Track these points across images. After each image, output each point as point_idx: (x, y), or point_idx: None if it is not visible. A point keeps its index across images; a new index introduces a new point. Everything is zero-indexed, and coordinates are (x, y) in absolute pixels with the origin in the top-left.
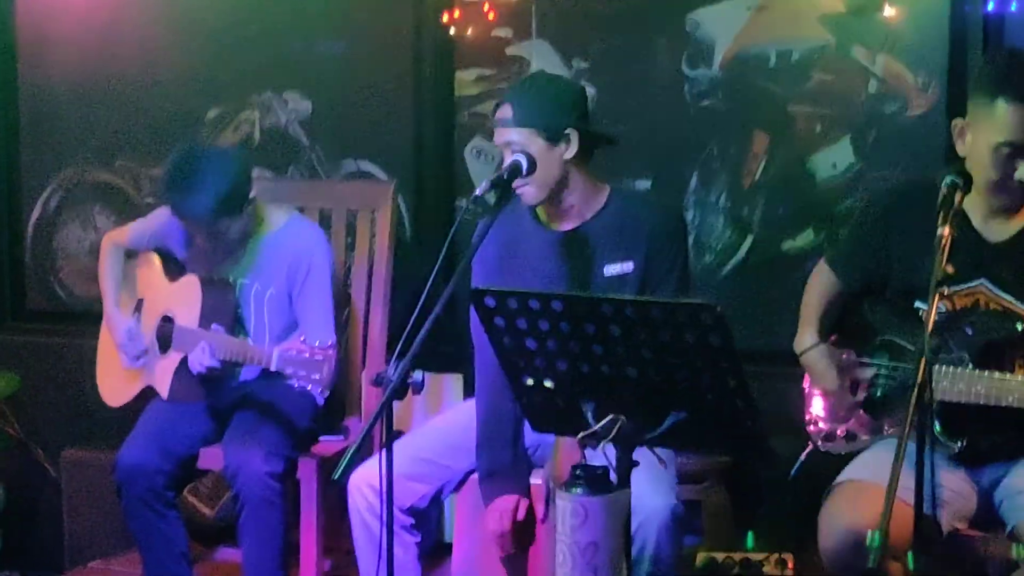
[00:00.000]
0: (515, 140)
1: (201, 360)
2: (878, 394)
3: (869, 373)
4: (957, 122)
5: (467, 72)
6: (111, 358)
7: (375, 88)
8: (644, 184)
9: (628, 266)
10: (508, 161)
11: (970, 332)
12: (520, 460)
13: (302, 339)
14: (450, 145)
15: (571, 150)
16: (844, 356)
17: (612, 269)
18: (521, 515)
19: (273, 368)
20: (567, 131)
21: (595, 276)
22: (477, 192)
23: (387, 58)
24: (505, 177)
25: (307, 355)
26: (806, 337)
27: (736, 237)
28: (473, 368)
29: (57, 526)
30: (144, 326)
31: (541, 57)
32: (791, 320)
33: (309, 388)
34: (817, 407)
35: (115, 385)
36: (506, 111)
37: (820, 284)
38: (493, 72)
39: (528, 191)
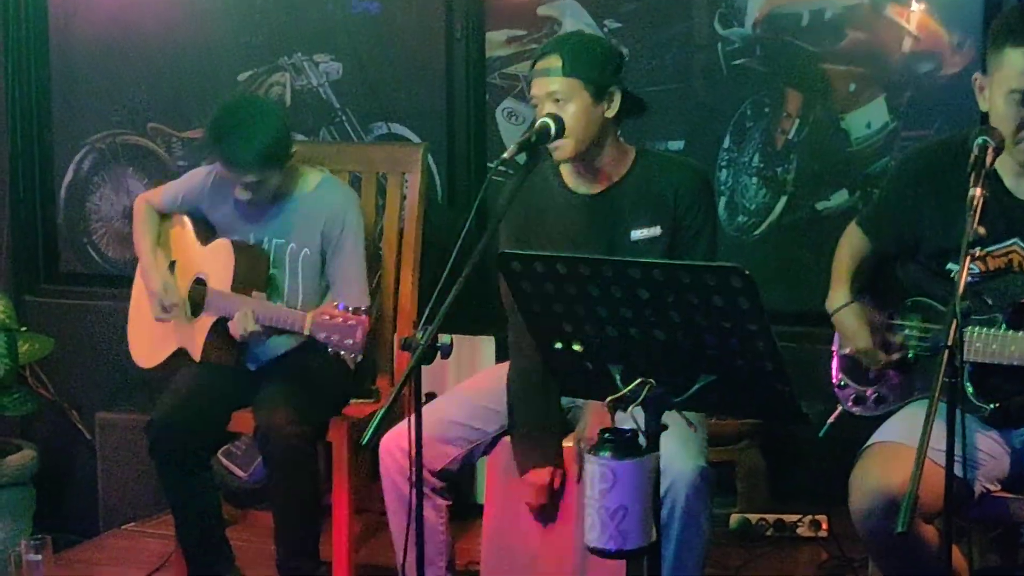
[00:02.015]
0: (560, 91)
1: (245, 325)
2: (910, 356)
3: (900, 334)
4: (976, 76)
5: (498, 33)
6: (143, 319)
7: (406, 50)
8: (676, 145)
9: (655, 231)
10: (540, 119)
11: (1002, 293)
12: (553, 423)
13: (336, 304)
14: (481, 107)
15: (612, 109)
16: (876, 317)
17: (639, 233)
18: (557, 484)
19: (307, 333)
20: (611, 89)
21: (623, 241)
22: (505, 155)
23: (418, 19)
24: (533, 140)
25: (341, 320)
26: (838, 296)
27: (770, 198)
28: (505, 330)
29: (91, 489)
30: (178, 286)
31: (573, 17)
32: (825, 281)
33: (342, 354)
34: (847, 369)
35: (147, 346)
36: (553, 60)
37: (851, 245)
38: (524, 33)
39: (565, 146)
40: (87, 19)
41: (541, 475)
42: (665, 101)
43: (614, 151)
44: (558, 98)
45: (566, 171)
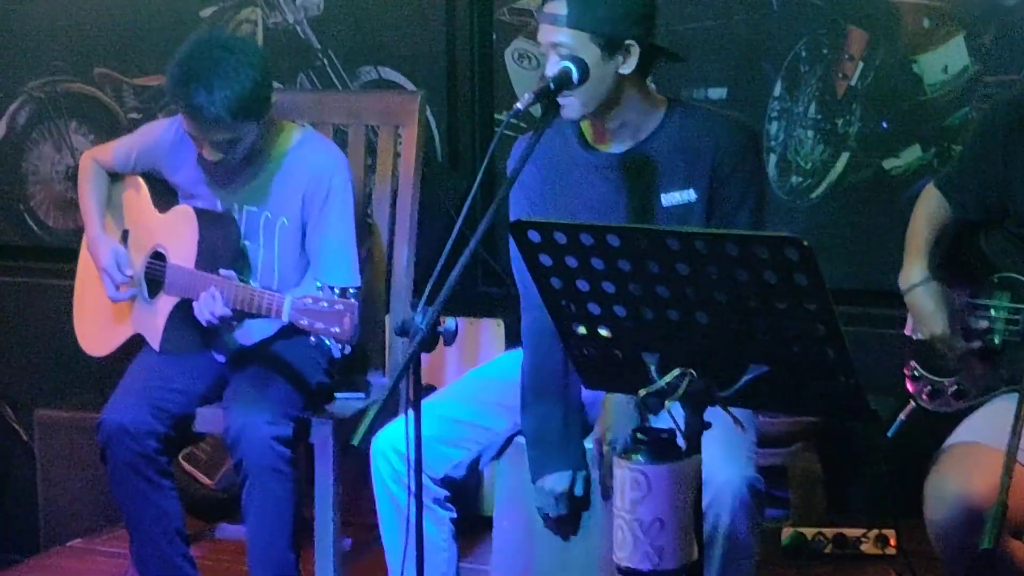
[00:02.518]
0: (563, 43)
1: (211, 308)
2: (995, 341)
3: (985, 317)
4: None
5: None
6: (92, 300)
7: None
8: (718, 93)
9: (690, 194)
10: (552, 66)
11: None
12: (573, 421)
13: (319, 284)
14: (488, 48)
15: (628, 65)
16: (956, 296)
17: (672, 198)
18: (579, 491)
19: (285, 319)
20: (627, 42)
21: (653, 207)
22: (519, 105)
23: None
24: (552, 87)
25: (325, 304)
26: (913, 272)
27: (829, 155)
28: (517, 312)
29: (30, 499)
30: (132, 261)
31: None
32: (894, 253)
33: (328, 343)
34: (922, 357)
35: (97, 332)
36: (558, 6)
37: (929, 211)
38: None
39: (572, 105)
40: None
41: (560, 480)
42: (703, 41)
43: (639, 105)
44: (563, 51)
45: (587, 126)
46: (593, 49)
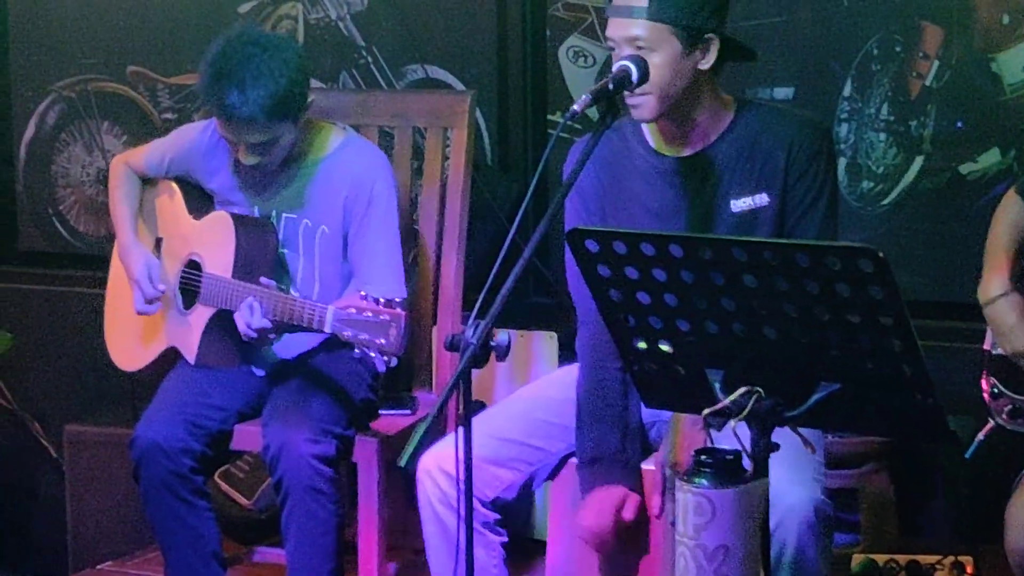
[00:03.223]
0: (642, 37)
1: (249, 321)
2: None
3: None
4: None
5: None
6: (124, 310)
7: None
8: (784, 93)
9: (762, 199)
10: (617, 64)
11: None
12: (631, 442)
13: (363, 294)
14: (541, 45)
15: (708, 60)
16: None
17: (742, 204)
18: (629, 514)
19: (328, 330)
20: (708, 35)
21: (721, 213)
22: (576, 106)
23: None
24: (611, 87)
25: (370, 314)
26: (993, 283)
27: (902, 158)
28: (571, 325)
29: (59, 519)
30: (165, 271)
31: None
32: (972, 263)
33: (373, 356)
34: (1002, 373)
35: (129, 345)
36: None
37: (1009, 218)
38: None
39: (647, 104)
40: None
41: (609, 493)
42: (769, 38)
43: (711, 105)
44: (640, 45)
45: (650, 129)
46: (674, 43)
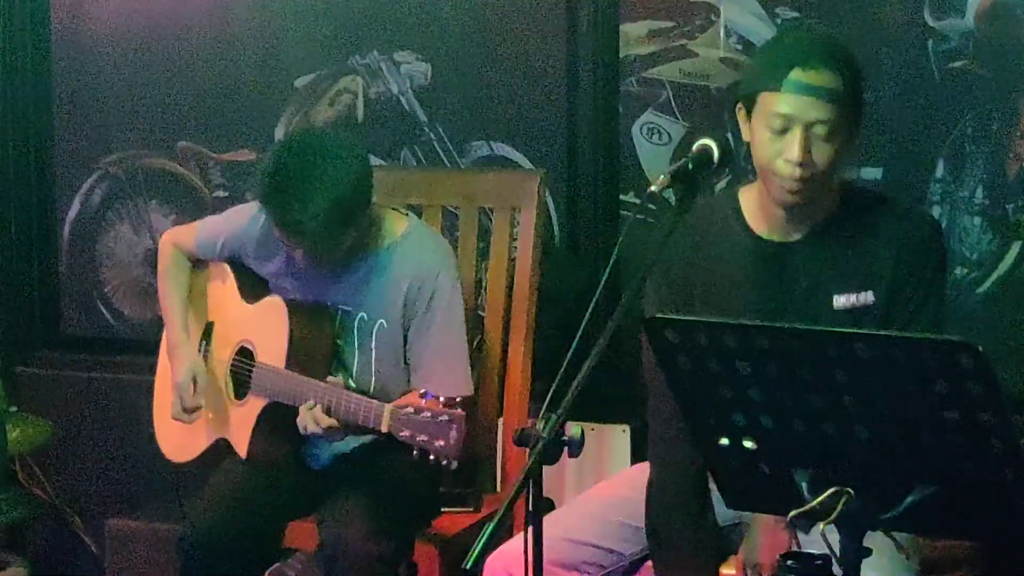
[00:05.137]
0: (832, 121)
1: (318, 420)
2: None
3: None
4: None
5: (636, 25)
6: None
7: (515, 47)
8: (873, 173)
9: (867, 297)
10: (701, 140)
11: None
12: (707, 542)
13: (422, 392)
14: (613, 121)
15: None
16: None
17: (846, 300)
18: None
19: (384, 429)
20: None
21: (822, 307)
22: (654, 187)
23: (531, 7)
24: (691, 167)
25: (429, 416)
26: None
27: (998, 244)
28: (645, 418)
29: None
30: (216, 359)
31: (734, 3)
32: None
33: (431, 458)
34: None
35: (180, 435)
36: (825, 77)
37: None
38: (671, 25)
39: (804, 191)
40: (100, 8)
41: None
42: None
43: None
44: (822, 131)
45: (750, 207)
46: (854, 130)
